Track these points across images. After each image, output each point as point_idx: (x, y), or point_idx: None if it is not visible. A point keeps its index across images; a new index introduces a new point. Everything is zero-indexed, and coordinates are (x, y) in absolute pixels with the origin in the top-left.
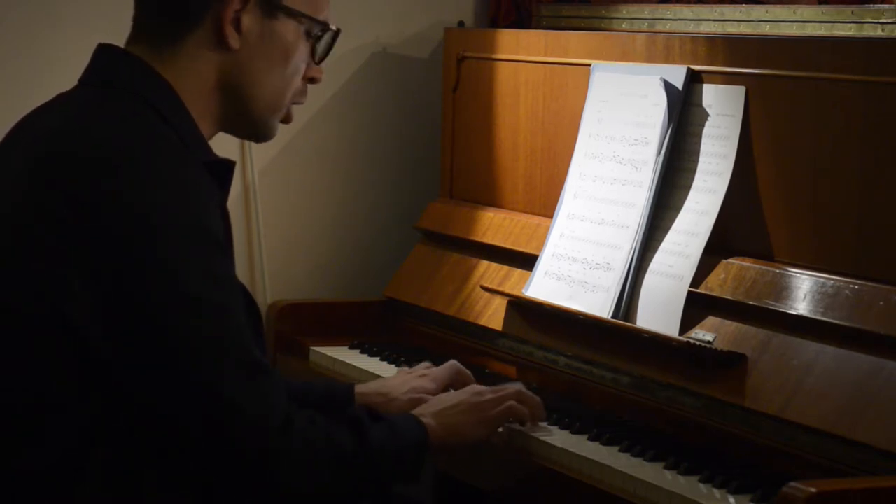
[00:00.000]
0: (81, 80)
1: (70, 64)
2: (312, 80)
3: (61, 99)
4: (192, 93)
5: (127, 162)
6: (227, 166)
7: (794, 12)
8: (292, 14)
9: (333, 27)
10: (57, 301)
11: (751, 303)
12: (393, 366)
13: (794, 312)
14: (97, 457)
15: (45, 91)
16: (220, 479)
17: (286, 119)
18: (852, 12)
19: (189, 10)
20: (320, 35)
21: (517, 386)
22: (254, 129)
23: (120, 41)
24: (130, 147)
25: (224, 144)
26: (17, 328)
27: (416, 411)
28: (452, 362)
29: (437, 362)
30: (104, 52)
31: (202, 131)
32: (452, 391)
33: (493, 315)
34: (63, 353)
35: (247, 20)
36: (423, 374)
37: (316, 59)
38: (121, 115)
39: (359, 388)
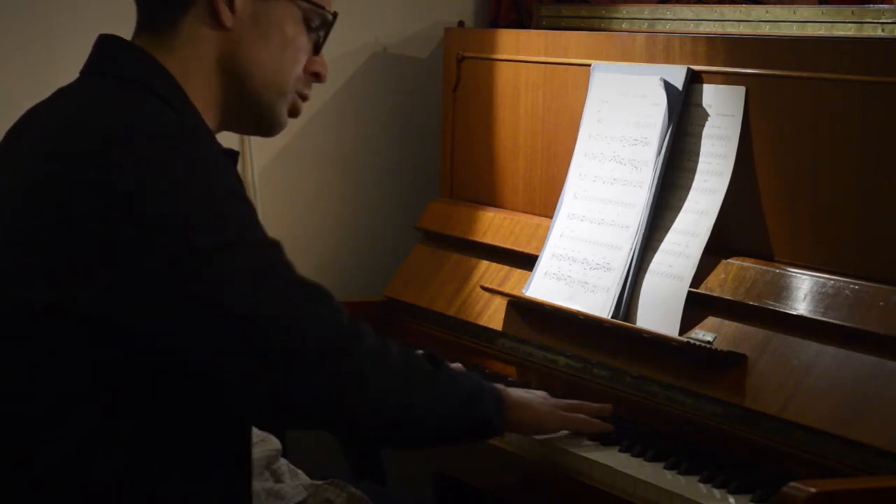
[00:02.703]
0: (83, 71)
1: (73, 61)
2: (317, 76)
3: (64, 91)
4: (195, 79)
5: (142, 149)
6: (232, 156)
7: (794, 12)
8: None
9: (330, 14)
10: (74, 291)
11: (751, 303)
12: None
13: (794, 312)
14: (111, 452)
15: (47, 88)
16: (305, 404)
17: (293, 111)
18: (852, 12)
19: None
20: (319, 24)
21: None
22: (259, 115)
23: (127, 33)
24: (144, 134)
25: (224, 144)
26: (31, 322)
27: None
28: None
29: None
30: (105, 43)
31: (206, 121)
32: None
33: (493, 315)
34: (80, 348)
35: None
36: None
37: (315, 48)
38: (129, 103)
39: None
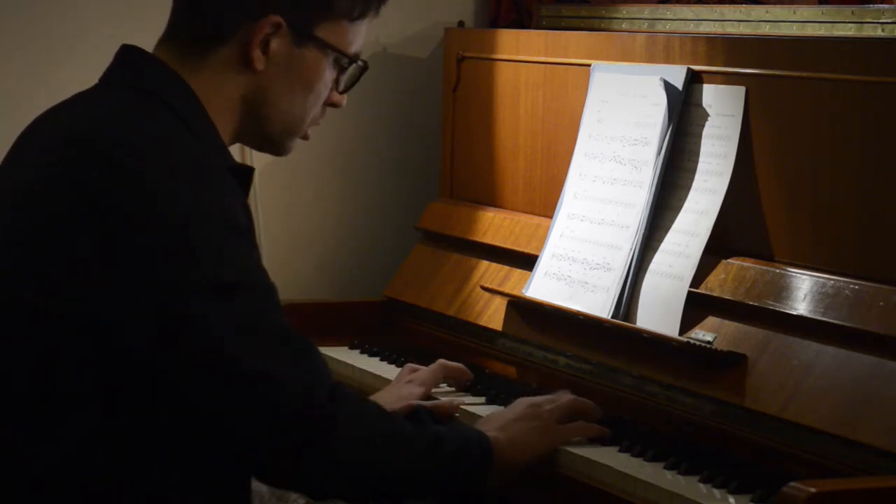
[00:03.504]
0: (103, 80)
1: (73, 62)
2: (334, 105)
3: (82, 97)
4: (213, 104)
5: (153, 156)
6: (247, 172)
7: (794, 12)
8: (322, 46)
9: (361, 62)
10: (72, 292)
11: (751, 303)
12: (393, 366)
13: (794, 312)
14: (111, 452)
15: (47, 88)
16: (274, 460)
17: (304, 137)
18: (852, 12)
19: (221, 26)
20: (347, 66)
21: (568, 396)
22: (268, 146)
23: (141, 40)
24: (156, 143)
25: None
26: (31, 322)
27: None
28: (440, 361)
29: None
30: (128, 54)
31: (223, 139)
32: (506, 407)
33: (493, 315)
34: (80, 348)
35: (275, 44)
36: (410, 381)
37: (340, 88)
38: (145, 114)
39: None
